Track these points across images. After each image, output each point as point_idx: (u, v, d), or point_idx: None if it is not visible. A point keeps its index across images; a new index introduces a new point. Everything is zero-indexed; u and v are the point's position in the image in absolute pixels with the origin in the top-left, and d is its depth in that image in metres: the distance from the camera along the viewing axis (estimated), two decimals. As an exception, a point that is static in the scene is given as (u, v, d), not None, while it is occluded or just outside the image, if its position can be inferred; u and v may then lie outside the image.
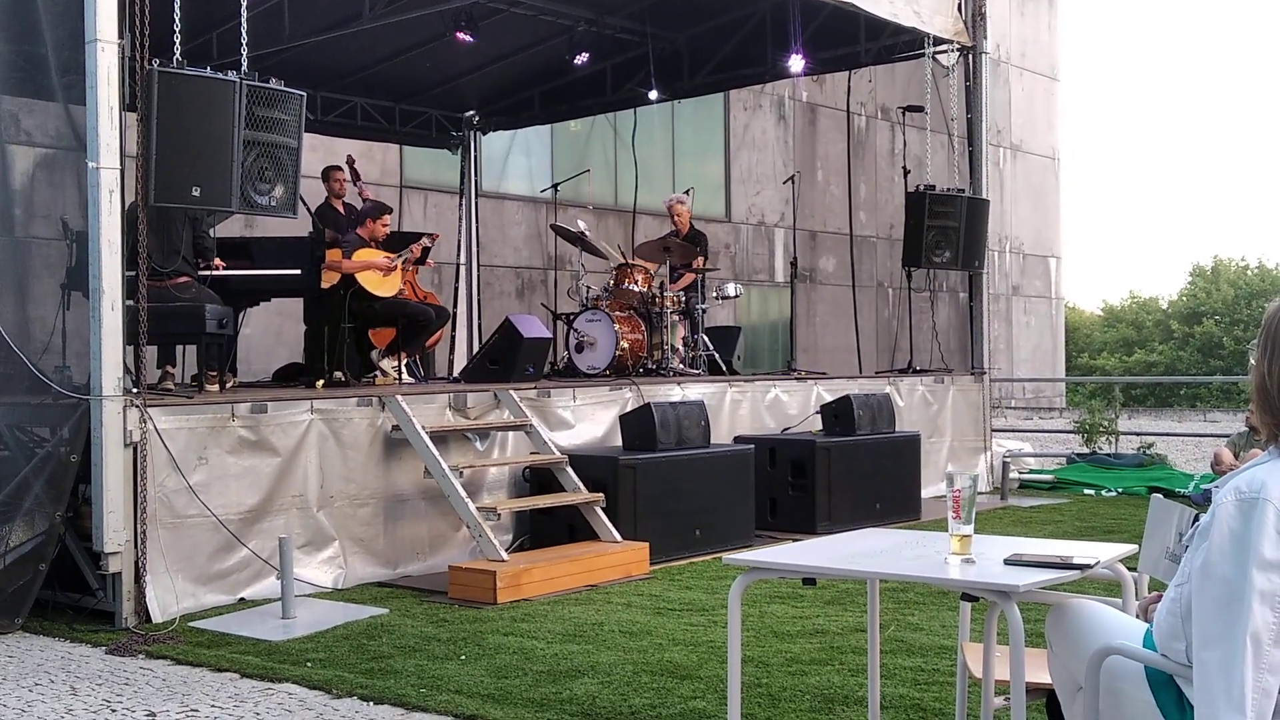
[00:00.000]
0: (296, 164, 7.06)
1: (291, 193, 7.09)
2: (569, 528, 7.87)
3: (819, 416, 10.02)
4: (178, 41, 6.71)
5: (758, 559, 3.73)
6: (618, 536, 7.65)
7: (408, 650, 5.60)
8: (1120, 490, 11.70)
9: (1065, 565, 3.28)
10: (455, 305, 14.62)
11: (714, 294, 11.60)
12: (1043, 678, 3.31)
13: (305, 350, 10.22)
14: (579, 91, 14.14)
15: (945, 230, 11.51)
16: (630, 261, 10.79)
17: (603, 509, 7.74)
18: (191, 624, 6.19)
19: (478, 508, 7.36)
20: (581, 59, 12.49)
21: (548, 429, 8.37)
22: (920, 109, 11.93)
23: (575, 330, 10.21)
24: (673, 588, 7.07)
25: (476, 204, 15.39)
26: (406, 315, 9.46)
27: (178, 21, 6.74)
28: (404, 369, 9.41)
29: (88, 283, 6.28)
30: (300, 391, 7.92)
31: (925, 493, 10.42)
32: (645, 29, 12.58)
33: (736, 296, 11.88)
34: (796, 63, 12.20)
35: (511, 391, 8.31)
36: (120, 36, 6.31)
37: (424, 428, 7.47)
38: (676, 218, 11.59)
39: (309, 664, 5.38)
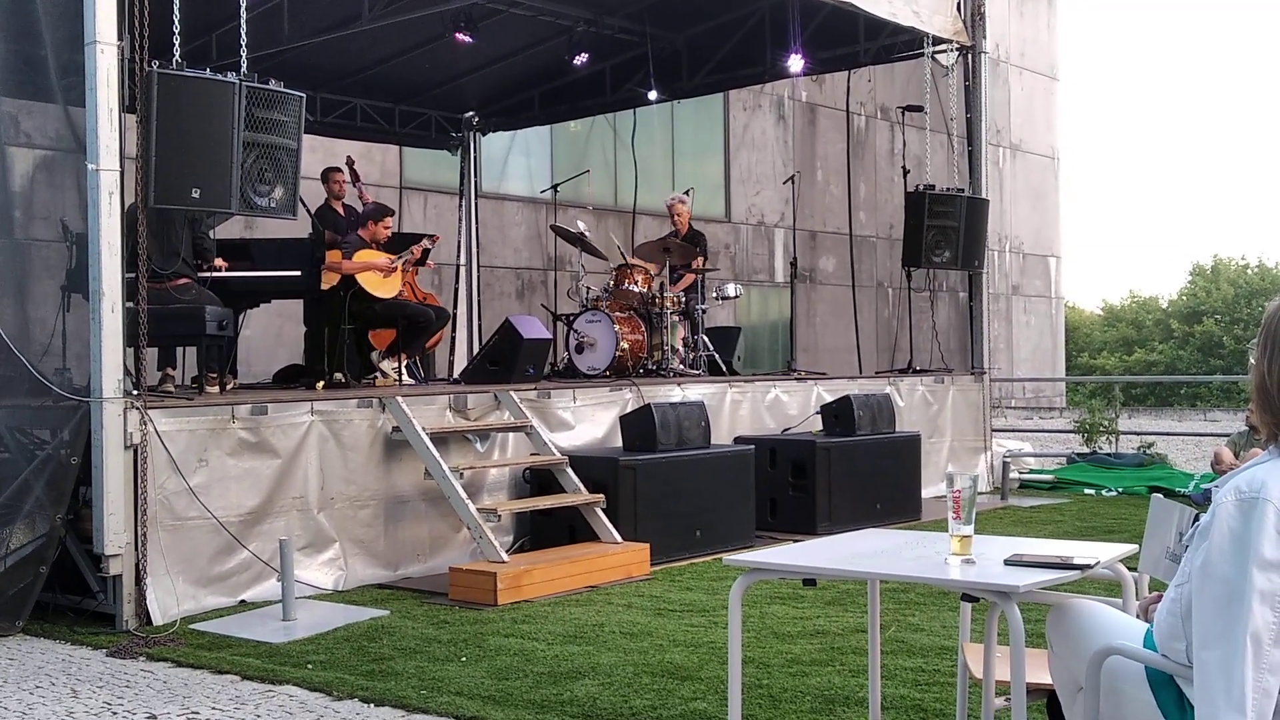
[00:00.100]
0: (296, 165, 7.06)
1: (291, 194, 7.09)
2: (569, 529, 7.87)
3: (819, 417, 10.02)
4: (177, 43, 6.71)
5: (758, 560, 3.73)
6: (618, 537, 7.65)
7: (408, 652, 5.60)
8: (1120, 490, 11.70)
9: (1065, 565, 3.28)
10: (455, 306, 14.62)
11: (714, 294, 11.60)
12: (1043, 678, 3.31)
13: (305, 352, 10.22)
14: (578, 92, 14.15)
15: (945, 230, 11.51)
16: (630, 262, 10.79)
17: (603, 510, 7.74)
18: (192, 626, 6.19)
19: (478, 509, 7.36)
20: (581, 59, 12.50)
21: (548, 430, 8.37)
22: (920, 109, 11.93)
23: (575, 331, 10.21)
24: (673, 589, 7.07)
25: (476, 205, 15.40)
26: (407, 316, 9.46)
27: (177, 23, 6.74)
28: (404, 370, 9.42)
29: (88, 285, 6.28)
30: (300, 393, 7.92)
31: (925, 493, 10.42)
32: (644, 29, 12.58)
33: (736, 297, 11.88)
34: (796, 63, 12.21)
35: (512, 392, 8.31)
36: (119, 38, 6.31)
37: (424, 429, 7.47)
38: (676, 217, 11.59)
39: (310, 666, 5.38)
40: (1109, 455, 12.88)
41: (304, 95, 7.16)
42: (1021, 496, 11.54)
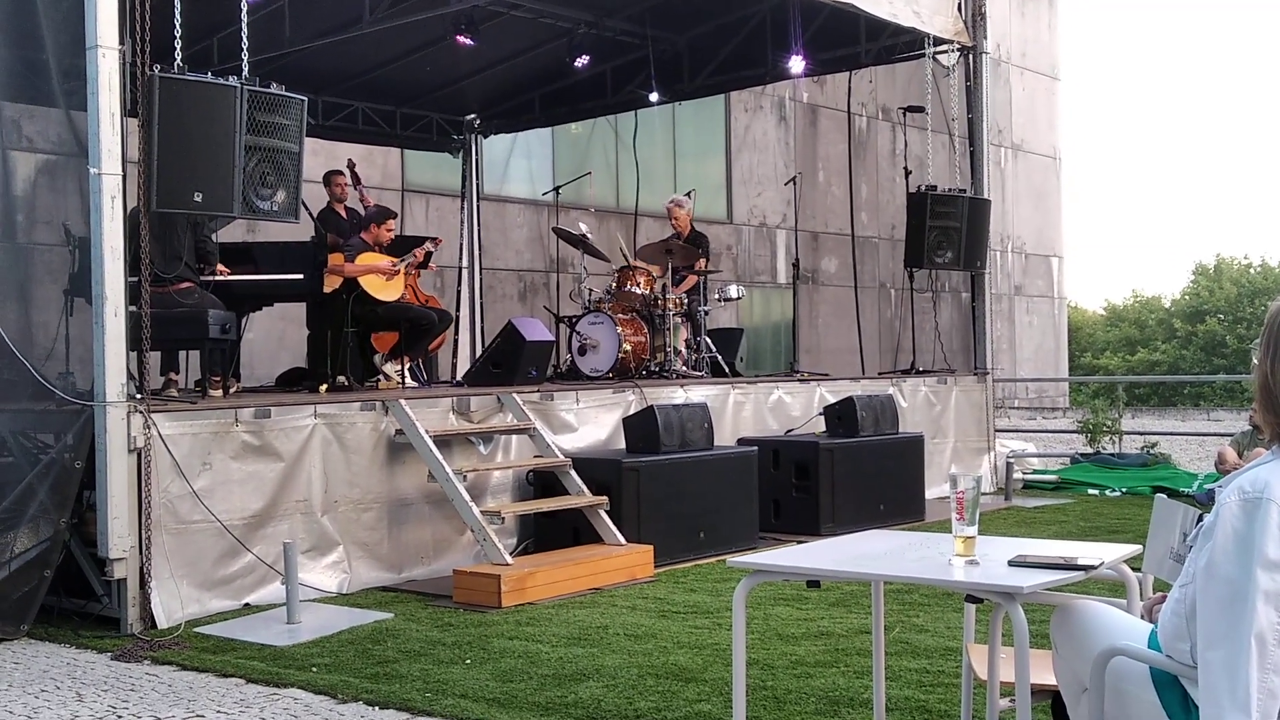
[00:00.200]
0: (298, 169, 7.07)
1: (293, 197, 7.09)
2: (573, 531, 7.87)
3: (822, 418, 10.01)
4: (179, 47, 6.72)
5: (762, 561, 3.73)
6: (622, 539, 7.65)
7: (413, 654, 5.60)
8: (1124, 490, 11.69)
9: (1069, 566, 3.28)
10: (457, 309, 14.63)
11: (716, 296, 11.59)
12: (1047, 679, 3.31)
13: (308, 355, 10.23)
14: (579, 94, 14.15)
15: (947, 230, 11.51)
16: (632, 264, 10.79)
17: (606, 512, 7.74)
18: (197, 629, 6.19)
19: (481, 511, 7.36)
20: (582, 61, 12.50)
21: (551, 432, 8.37)
22: (921, 109, 11.93)
23: (578, 333, 10.21)
24: (677, 590, 7.07)
25: (478, 207, 15.41)
26: (409, 319, 9.47)
27: (178, 27, 6.75)
28: (407, 373, 9.42)
29: (90, 289, 6.28)
30: (303, 396, 7.93)
31: (929, 494, 10.41)
32: (645, 31, 12.59)
33: (739, 298, 11.88)
34: (797, 64, 12.21)
35: (514, 395, 8.31)
36: (121, 42, 6.32)
37: (427, 431, 7.47)
38: (675, 220, 11.58)
39: (314, 669, 5.38)
40: (1112, 455, 12.87)
41: (305, 99, 7.17)
42: (1025, 497, 11.53)
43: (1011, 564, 3.34)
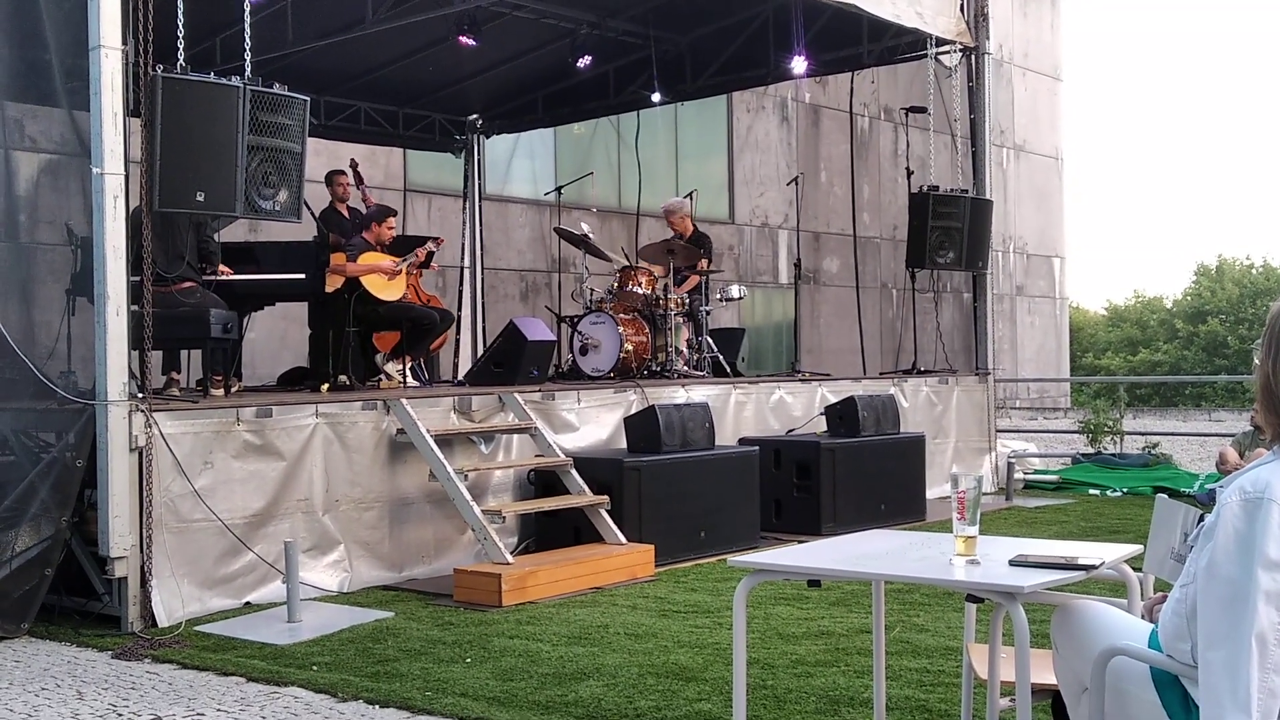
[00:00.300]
0: (300, 168, 7.08)
1: (295, 197, 7.10)
2: (574, 530, 7.87)
3: (823, 418, 10.01)
4: (181, 47, 6.72)
5: (763, 561, 3.73)
6: (623, 539, 7.65)
7: (413, 653, 5.60)
8: (1125, 490, 11.69)
9: (1070, 566, 3.28)
10: (459, 308, 14.64)
11: (718, 296, 11.59)
12: (1048, 679, 3.31)
13: (310, 354, 10.24)
14: (582, 94, 14.16)
15: (949, 231, 11.51)
16: (634, 264, 10.79)
17: (607, 511, 7.74)
18: (197, 628, 6.19)
19: (483, 510, 7.36)
20: (584, 62, 12.51)
21: (552, 431, 8.37)
22: (923, 110, 11.93)
23: (579, 333, 10.22)
24: (678, 590, 7.07)
25: (480, 207, 15.41)
26: (411, 319, 9.48)
27: (181, 27, 6.75)
28: (408, 372, 9.43)
29: (92, 288, 6.29)
30: (305, 395, 7.94)
31: (930, 494, 10.41)
32: (648, 32, 12.59)
33: (740, 298, 11.88)
34: (799, 64, 12.21)
35: (516, 394, 8.32)
36: (124, 42, 6.32)
37: (429, 431, 7.47)
38: (674, 224, 11.58)
39: (315, 667, 5.39)
40: (1114, 455, 12.87)
41: (308, 99, 7.17)
42: (1026, 497, 11.53)
43: (1012, 564, 3.34)
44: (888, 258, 22.30)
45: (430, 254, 9.98)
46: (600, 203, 16.90)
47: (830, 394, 10.60)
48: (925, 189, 11.56)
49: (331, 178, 10.88)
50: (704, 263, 11.11)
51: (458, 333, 14.07)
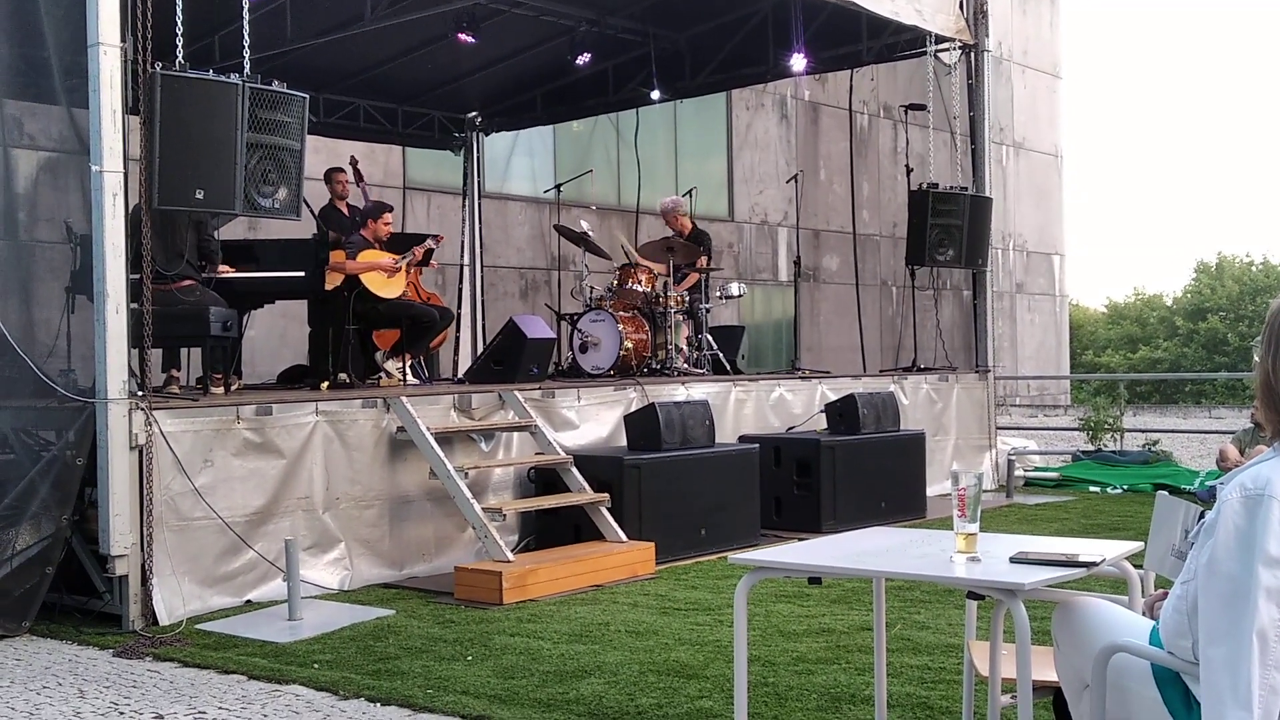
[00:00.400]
0: (299, 166, 7.07)
1: (295, 195, 7.10)
2: (574, 528, 7.87)
3: (823, 415, 10.01)
4: (180, 44, 6.71)
5: (763, 558, 3.73)
6: (623, 536, 7.65)
7: (414, 651, 5.60)
8: (1125, 487, 11.70)
9: (1071, 563, 3.28)
10: (459, 306, 14.63)
11: (718, 293, 11.59)
12: (1049, 676, 3.31)
13: (310, 352, 10.23)
14: (581, 92, 14.15)
15: (948, 228, 11.51)
16: (634, 261, 10.79)
17: (608, 509, 7.74)
18: (198, 626, 6.19)
19: (483, 508, 7.36)
20: (583, 59, 12.50)
21: (552, 429, 8.37)
22: (923, 107, 11.92)
23: (579, 330, 10.22)
24: (678, 587, 7.07)
25: (480, 205, 15.40)
26: (411, 317, 9.47)
27: (180, 24, 6.74)
28: (408, 370, 9.42)
29: (92, 286, 6.28)
30: (305, 393, 7.93)
31: (930, 491, 10.41)
32: (647, 29, 12.58)
33: (740, 296, 11.88)
34: (798, 62, 12.20)
35: (516, 392, 8.32)
36: (123, 40, 6.32)
37: (429, 429, 7.47)
38: (672, 223, 11.58)
39: (316, 665, 5.39)
40: (1114, 453, 12.87)
41: (307, 96, 7.17)
42: (1026, 494, 11.53)
43: (1013, 561, 3.34)
44: (887, 255, 22.30)
45: (430, 251, 9.97)
46: (600, 200, 16.89)
47: (830, 391, 10.60)
48: (925, 186, 11.55)
49: (331, 175, 10.88)
50: (703, 260, 11.10)
51: (457, 330, 14.07)
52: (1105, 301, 51.06)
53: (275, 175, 6.94)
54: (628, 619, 6.19)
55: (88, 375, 6.41)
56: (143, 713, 4.79)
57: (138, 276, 6.54)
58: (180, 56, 6.66)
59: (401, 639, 5.85)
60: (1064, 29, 29.86)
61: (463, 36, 11.64)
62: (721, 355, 11.19)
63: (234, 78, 6.69)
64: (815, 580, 4.44)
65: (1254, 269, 45.43)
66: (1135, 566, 3.56)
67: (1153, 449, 12.80)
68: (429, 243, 9.95)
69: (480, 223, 15.40)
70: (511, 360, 9.10)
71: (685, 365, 10.58)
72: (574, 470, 7.96)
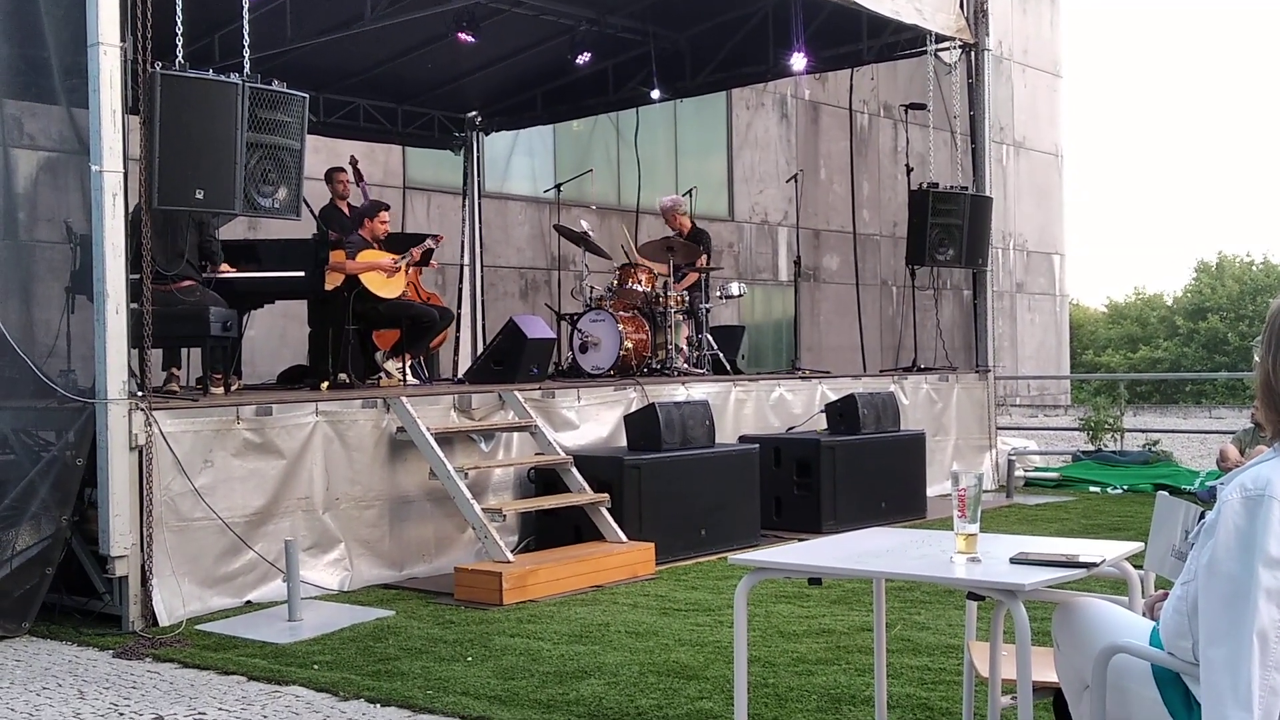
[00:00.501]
0: (299, 166, 7.07)
1: (295, 195, 7.09)
2: (574, 528, 7.87)
3: (823, 415, 10.01)
4: (180, 44, 6.71)
5: (764, 559, 3.73)
6: (623, 537, 7.65)
7: (414, 652, 5.60)
8: (1126, 487, 11.70)
9: (1071, 563, 3.28)
10: (459, 306, 14.63)
11: (718, 293, 11.59)
12: (1049, 676, 3.31)
13: (309, 352, 10.22)
14: (581, 91, 14.14)
15: (949, 228, 11.50)
16: (634, 261, 10.79)
17: (608, 509, 7.74)
18: (198, 627, 6.19)
19: (483, 509, 7.36)
20: (583, 59, 12.49)
21: (552, 429, 8.37)
22: (923, 106, 11.92)
23: (579, 330, 10.21)
24: (679, 588, 7.07)
25: (479, 204, 15.40)
26: (410, 317, 9.47)
27: (180, 24, 6.74)
28: (408, 370, 9.42)
29: (92, 286, 6.28)
30: (305, 394, 7.93)
31: (930, 491, 10.41)
32: (647, 28, 12.58)
33: (740, 296, 11.88)
34: (799, 61, 12.20)
35: (516, 392, 8.31)
36: (122, 39, 6.31)
37: (429, 429, 7.47)
38: (672, 222, 11.58)
39: (316, 666, 5.38)
40: (1114, 453, 12.87)
41: (307, 96, 7.17)
42: (1026, 494, 11.53)
43: (1013, 561, 3.33)
44: (887, 255, 22.30)
45: (429, 251, 9.97)
46: (600, 200, 16.89)
47: (830, 391, 10.60)
48: (925, 186, 11.55)
49: (332, 175, 10.88)
50: (703, 259, 11.10)
51: (457, 330, 14.06)
52: (1105, 301, 51.08)
53: (275, 175, 6.94)
54: (628, 620, 6.19)
55: (87, 375, 6.41)
56: (142, 713, 4.78)
57: (138, 276, 6.54)
58: (180, 56, 6.66)
59: (401, 640, 5.85)
60: (1064, 28, 29.87)
61: (463, 36, 11.64)
62: (721, 355, 11.18)
63: (234, 77, 6.69)
64: (815, 581, 4.44)
65: (1254, 268, 45.42)
66: (1135, 567, 3.55)
67: (1153, 449, 12.79)
68: (428, 242, 9.95)
69: (480, 222, 15.40)
70: (511, 360, 9.10)
71: (685, 365, 10.58)
72: (574, 470, 7.95)
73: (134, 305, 6.45)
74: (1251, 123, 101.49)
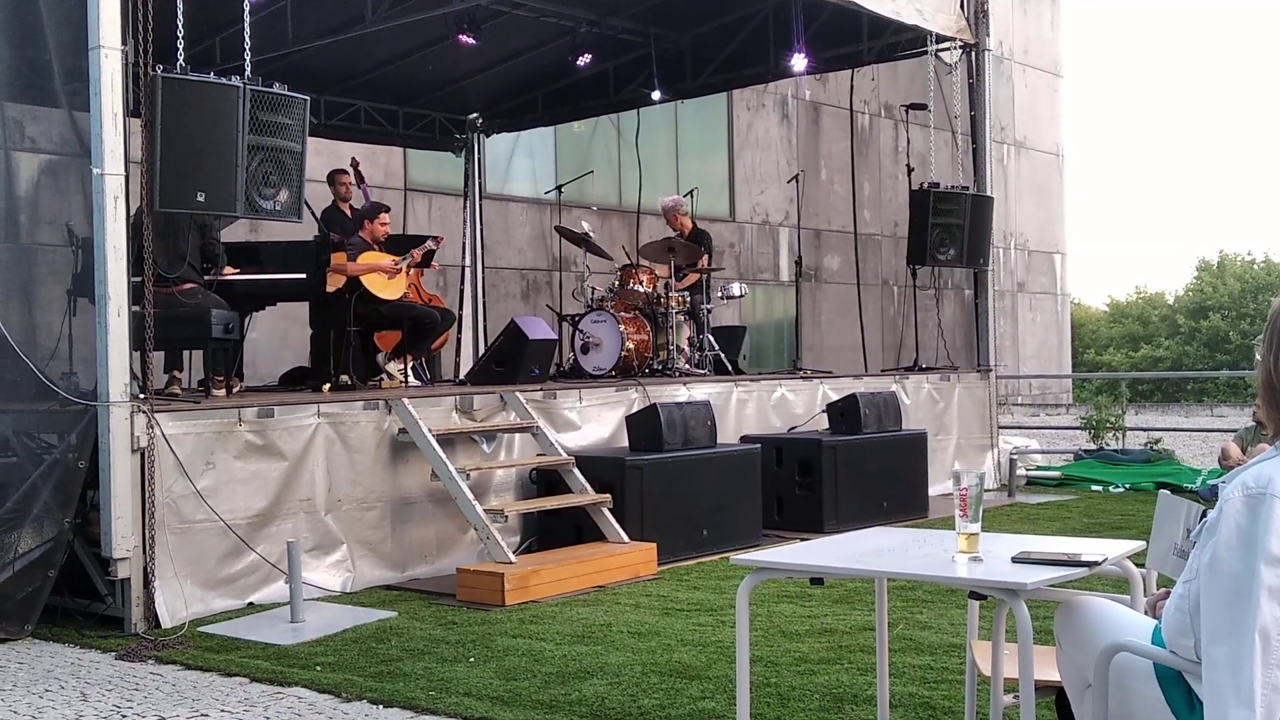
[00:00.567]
0: (301, 168, 7.07)
1: (296, 197, 7.10)
2: (576, 529, 7.87)
3: (825, 415, 10.01)
4: (181, 47, 6.72)
5: (765, 559, 3.73)
6: (625, 537, 7.65)
7: (416, 653, 5.60)
8: (1127, 486, 11.69)
9: (1073, 562, 3.28)
10: (460, 307, 14.63)
11: (719, 294, 11.59)
12: (1051, 675, 3.31)
13: (311, 354, 10.24)
14: (582, 93, 14.15)
15: (950, 228, 11.50)
16: (635, 262, 10.79)
17: (610, 510, 7.74)
18: (200, 629, 6.19)
19: (485, 510, 7.36)
20: (584, 60, 12.50)
21: (554, 430, 8.37)
22: (924, 107, 11.92)
23: (581, 331, 10.21)
24: (681, 588, 7.07)
25: (481, 206, 15.41)
26: (412, 318, 9.48)
27: (181, 27, 6.75)
28: (410, 372, 9.42)
29: (93, 289, 6.29)
30: (306, 395, 7.94)
31: (932, 491, 10.41)
32: (647, 30, 12.58)
33: (741, 296, 11.88)
34: (799, 62, 12.20)
35: (517, 393, 8.32)
36: (124, 42, 6.32)
37: (430, 430, 7.47)
38: (673, 222, 11.58)
39: (318, 668, 5.39)
40: (1116, 451, 12.87)
41: (308, 98, 7.17)
42: (1028, 493, 11.53)
43: (1015, 560, 3.33)
44: (889, 255, 22.29)
45: (430, 252, 9.98)
46: (601, 201, 16.89)
47: (832, 391, 10.60)
48: (926, 186, 11.55)
49: (334, 176, 10.89)
50: (704, 260, 11.10)
51: (459, 332, 14.06)
52: (1107, 300, 51.07)
53: (276, 177, 6.94)
54: (630, 620, 6.19)
55: (89, 378, 6.41)
56: (145, 715, 4.79)
57: (139, 279, 6.54)
58: (181, 59, 6.67)
59: (404, 641, 5.85)
60: (1065, 28, 29.87)
61: (464, 38, 11.65)
62: (723, 355, 11.19)
63: (235, 80, 6.70)
64: (817, 580, 4.44)
65: (1256, 267, 45.40)
66: (1137, 566, 3.55)
67: (1154, 447, 12.79)
68: (429, 244, 9.96)
69: (481, 224, 15.41)
70: (513, 361, 9.10)
71: (687, 366, 10.59)
72: (576, 471, 7.96)
73: (135, 308, 6.45)
74: (1252, 121, 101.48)
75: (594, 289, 10.61)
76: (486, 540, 7.19)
